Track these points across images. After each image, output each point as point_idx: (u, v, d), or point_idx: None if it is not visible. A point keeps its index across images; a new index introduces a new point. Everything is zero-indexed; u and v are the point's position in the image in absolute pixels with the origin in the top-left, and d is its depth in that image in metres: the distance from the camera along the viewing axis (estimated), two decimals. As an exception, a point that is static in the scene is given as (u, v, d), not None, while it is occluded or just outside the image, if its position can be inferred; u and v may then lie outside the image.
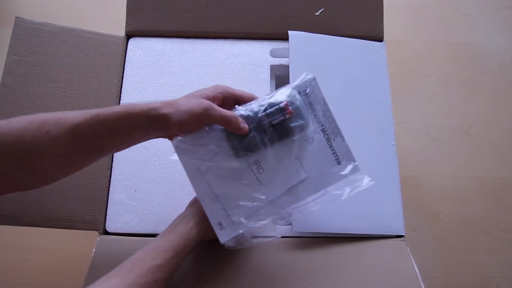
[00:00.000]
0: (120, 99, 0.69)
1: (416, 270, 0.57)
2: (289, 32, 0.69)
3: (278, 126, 0.51)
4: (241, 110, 0.52)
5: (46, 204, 0.61)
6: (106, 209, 0.63)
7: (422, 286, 0.55)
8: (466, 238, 0.89)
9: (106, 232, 0.62)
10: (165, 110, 0.49)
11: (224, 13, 0.73)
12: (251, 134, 0.51)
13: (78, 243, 0.86)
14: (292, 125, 0.51)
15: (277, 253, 0.59)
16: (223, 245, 0.52)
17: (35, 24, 0.69)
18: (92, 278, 0.54)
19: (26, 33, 0.68)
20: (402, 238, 0.62)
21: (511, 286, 0.86)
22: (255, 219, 0.51)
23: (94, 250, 0.59)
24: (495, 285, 0.86)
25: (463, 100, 1.01)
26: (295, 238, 0.60)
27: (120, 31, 0.74)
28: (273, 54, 0.73)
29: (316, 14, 0.73)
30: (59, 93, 0.66)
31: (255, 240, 0.54)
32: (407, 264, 0.58)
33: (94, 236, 0.61)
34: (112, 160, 0.65)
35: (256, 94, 0.68)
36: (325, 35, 0.71)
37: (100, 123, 0.48)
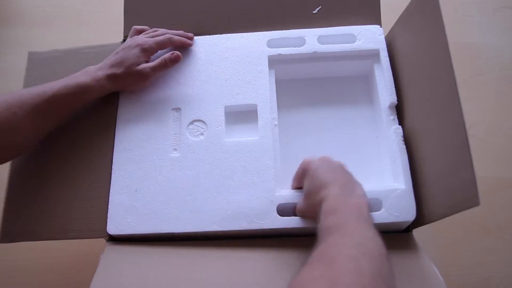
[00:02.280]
0: (119, 100, 0.69)
1: (427, 256, 0.57)
2: None
3: None
4: None
5: (58, 217, 0.62)
6: (107, 211, 0.63)
7: (435, 270, 0.55)
8: (466, 238, 0.89)
9: (110, 236, 0.62)
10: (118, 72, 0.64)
11: (222, 14, 0.73)
12: None
13: (78, 243, 0.85)
14: None
15: (280, 251, 0.59)
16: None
17: (44, 54, 0.73)
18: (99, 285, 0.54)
19: (38, 65, 0.73)
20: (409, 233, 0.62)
21: (511, 286, 0.85)
22: None
23: (101, 257, 0.58)
24: (495, 285, 0.85)
25: (463, 100, 1.00)
26: (297, 237, 0.60)
27: (121, 31, 0.74)
28: (270, 44, 0.72)
29: (313, 12, 0.73)
30: None
31: None
32: (417, 252, 0.59)
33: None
34: (112, 162, 0.65)
35: (254, 85, 0.68)
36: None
37: (58, 102, 0.61)
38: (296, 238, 0.60)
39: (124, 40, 0.73)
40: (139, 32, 0.71)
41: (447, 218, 0.89)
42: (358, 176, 0.55)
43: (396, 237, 0.62)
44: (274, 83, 0.70)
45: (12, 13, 1.09)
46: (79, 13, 1.09)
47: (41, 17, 1.08)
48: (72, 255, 0.85)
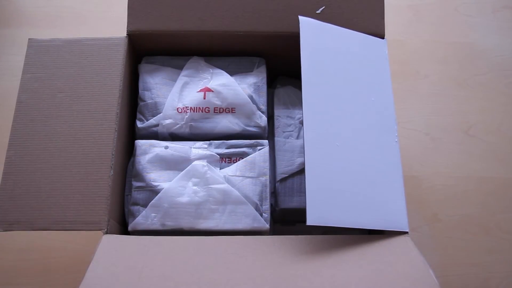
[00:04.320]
0: (121, 99, 0.69)
1: (423, 258, 0.57)
2: (300, 17, 0.69)
3: None
4: None
5: (54, 208, 0.62)
6: (111, 209, 0.63)
7: (431, 273, 0.55)
8: (466, 238, 0.89)
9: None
10: None
11: (225, 11, 0.73)
12: None
13: (78, 243, 0.86)
14: None
15: (275, 253, 0.59)
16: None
17: (45, 42, 0.72)
18: (94, 275, 0.54)
19: (37, 51, 0.71)
20: (406, 235, 0.62)
21: (511, 286, 0.86)
22: None
23: (97, 248, 0.58)
24: (495, 285, 0.86)
25: (463, 100, 1.01)
26: (294, 237, 0.61)
27: (121, 31, 0.74)
28: None
29: (317, 12, 0.73)
30: (66, 101, 0.68)
31: None
32: (413, 254, 0.59)
33: (94, 236, 0.61)
34: (112, 154, 0.65)
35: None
36: (332, 25, 0.71)
37: None
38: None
39: (128, 36, 0.73)
40: None
41: (446, 219, 0.90)
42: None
43: (392, 238, 0.62)
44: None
45: (12, 13, 1.08)
46: (79, 13, 1.09)
47: (41, 17, 1.08)
48: (72, 255, 0.85)
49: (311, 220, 0.58)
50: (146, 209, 0.67)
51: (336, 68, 0.68)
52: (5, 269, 0.84)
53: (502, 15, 1.09)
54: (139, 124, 0.73)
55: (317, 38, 0.68)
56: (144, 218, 0.66)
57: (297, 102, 0.78)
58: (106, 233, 0.62)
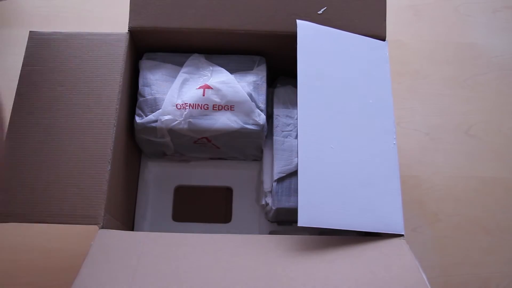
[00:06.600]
0: (120, 94, 0.69)
1: (417, 262, 0.57)
2: (297, 21, 0.69)
3: None
4: None
5: (50, 202, 0.62)
6: (107, 203, 0.63)
7: (424, 276, 0.55)
8: (466, 238, 0.89)
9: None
10: None
11: (227, 10, 0.73)
12: None
13: (78, 243, 0.85)
14: None
15: (270, 252, 0.59)
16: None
17: (45, 35, 0.72)
18: (89, 271, 0.54)
19: (38, 44, 0.71)
20: (401, 238, 0.62)
21: (511, 286, 0.86)
22: None
23: (92, 243, 0.58)
24: (495, 285, 0.85)
25: (463, 100, 1.01)
26: (292, 237, 0.60)
27: (121, 30, 0.74)
28: None
29: (318, 12, 0.73)
30: (65, 95, 0.68)
31: None
32: (407, 257, 0.58)
33: (93, 237, 0.61)
34: (111, 149, 0.66)
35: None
36: (331, 28, 0.71)
37: None
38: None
39: (129, 32, 0.73)
40: None
41: (446, 218, 0.90)
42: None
43: (386, 241, 0.61)
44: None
45: (12, 13, 1.09)
46: (79, 13, 1.09)
47: (41, 17, 1.08)
48: (72, 255, 0.85)
49: (302, 221, 0.58)
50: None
51: (333, 70, 0.68)
52: (5, 269, 0.84)
53: (502, 15, 1.09)
54: (138, 119, 0.74)
55: (315, 42, 0.68)
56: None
57: (297, 102, 0.79)
58: (102, 227, 0.62)
